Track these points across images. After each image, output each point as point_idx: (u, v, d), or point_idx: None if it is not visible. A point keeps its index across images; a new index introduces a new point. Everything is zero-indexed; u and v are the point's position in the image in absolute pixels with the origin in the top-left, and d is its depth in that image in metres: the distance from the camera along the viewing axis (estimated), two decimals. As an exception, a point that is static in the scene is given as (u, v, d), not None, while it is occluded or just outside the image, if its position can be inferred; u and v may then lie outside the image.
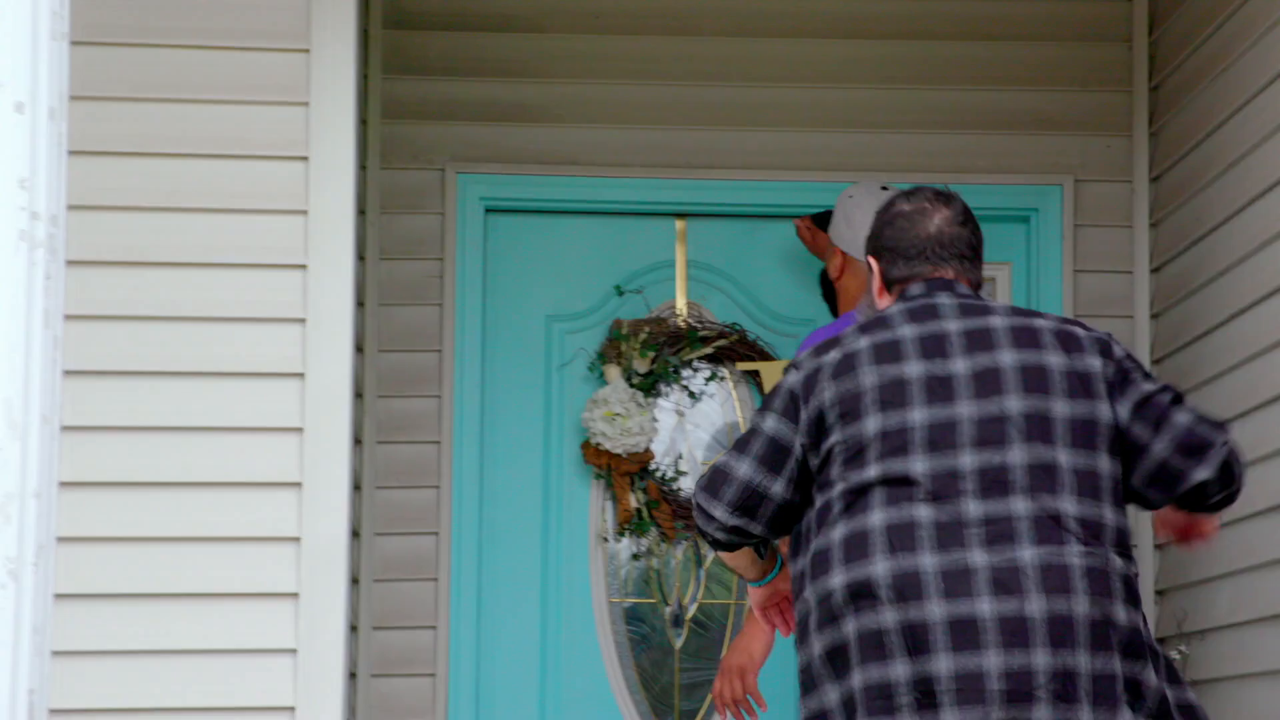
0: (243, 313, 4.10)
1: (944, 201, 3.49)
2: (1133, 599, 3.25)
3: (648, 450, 5.26)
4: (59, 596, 3.92)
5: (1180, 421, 3.28)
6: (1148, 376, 3.34)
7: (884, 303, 3.51)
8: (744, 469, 3.38)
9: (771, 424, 3.38)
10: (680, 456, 5.36)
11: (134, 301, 4.09)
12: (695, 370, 5.38)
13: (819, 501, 3.33)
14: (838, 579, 3.23)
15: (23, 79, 2.48)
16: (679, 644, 5.32)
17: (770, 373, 5.27)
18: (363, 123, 5.18)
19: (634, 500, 5.27)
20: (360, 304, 5.16)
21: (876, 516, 3.23)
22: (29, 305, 2.49)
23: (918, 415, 3.27)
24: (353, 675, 5.05)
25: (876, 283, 3.53)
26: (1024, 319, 3.36)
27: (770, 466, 3.37)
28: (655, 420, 5.29)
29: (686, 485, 5.32)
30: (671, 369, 5.31)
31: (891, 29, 5.37)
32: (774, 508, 3.38)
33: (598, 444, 5.23)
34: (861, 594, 3.20)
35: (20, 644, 2.43)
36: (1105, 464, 3.27)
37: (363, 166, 5.19)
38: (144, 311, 4.09)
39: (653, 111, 5.36)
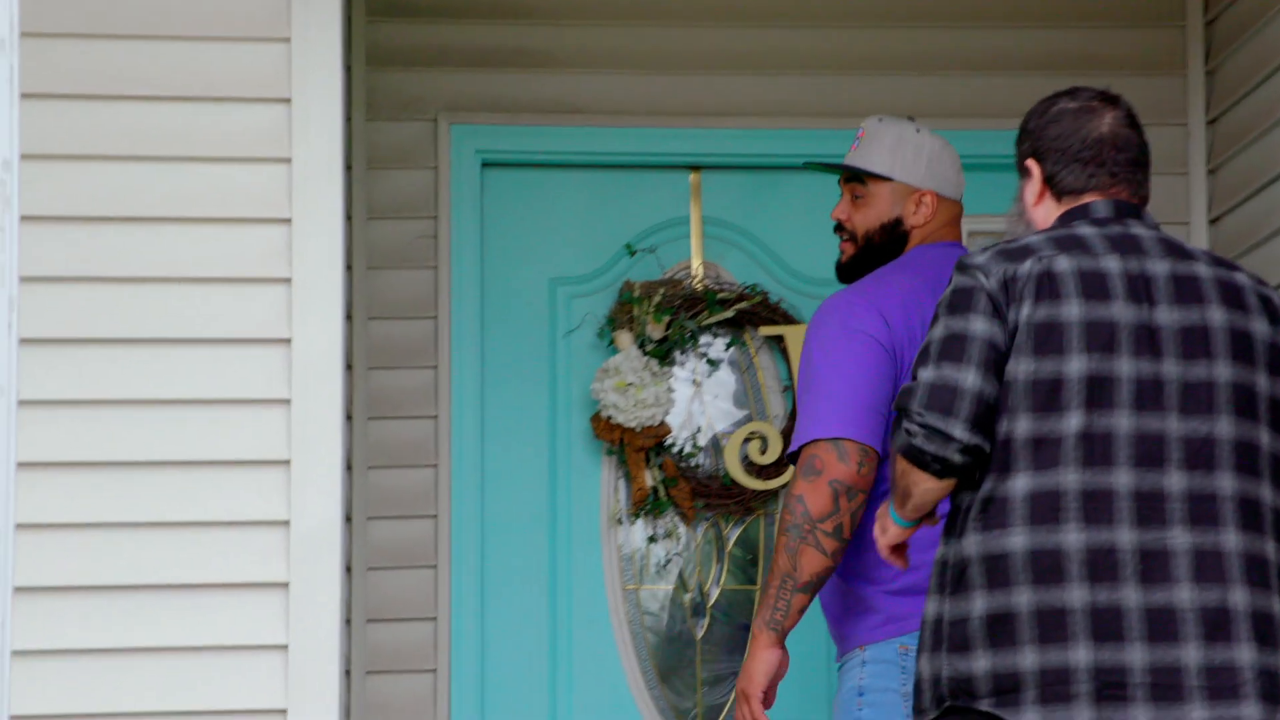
0: (220, 272, 3.89)
1: (1111, 101, 3.31)
2: None
3: (664, 423, 5.09)
4: (17, 590, 3.74)
5: None
6: None
7: (1044, 212, 3.28)
8: (971, 379, 3.09)
9: (982, 326, 3.10)
10: (699, 430, 5.19)
11: (99, 261, 3.86)
12: (714, 336, 5.21)
13: (999, 430, 3.09)
14: (1018, 539, 3.05)
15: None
16: (701, 634, 5.14)
17: (795, 337, 5.07)
18: (347, 70, 4.96)
19: (649, 478, 5.08)
20: (348, 268, 4.95)
21: (1071, 476, 3.05)
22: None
23: (1126, 367, 3.08)
24: (346, 673, 4.83)
25: (1038, 188, 3.30)
26: (1227, 271, 3.19)
27: (994, 372, 3.09)
28: (671, 390, 5.12)
29: (704, 461, 5.09)
30: (688, 335, 5.13)
31: (922, -36, 5.19)
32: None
33: (609, 417, 5.05)
34: (1046, 564, 3.02)
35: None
36: None
37: (347, 118, 4.96)
38: (110, 273, 3.87)
39: (663, 55, 5.18)
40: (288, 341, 3.87)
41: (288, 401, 3.86)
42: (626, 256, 5.18)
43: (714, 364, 5.18)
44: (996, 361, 3.09)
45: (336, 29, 3.93)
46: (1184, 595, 3.02)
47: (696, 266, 5.20)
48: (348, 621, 4.88)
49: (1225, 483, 3.08)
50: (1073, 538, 3.04)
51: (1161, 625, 3.00)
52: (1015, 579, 3.05)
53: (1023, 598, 3.05)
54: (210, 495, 3.85)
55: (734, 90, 5.17)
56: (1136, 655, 2.99)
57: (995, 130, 4.92)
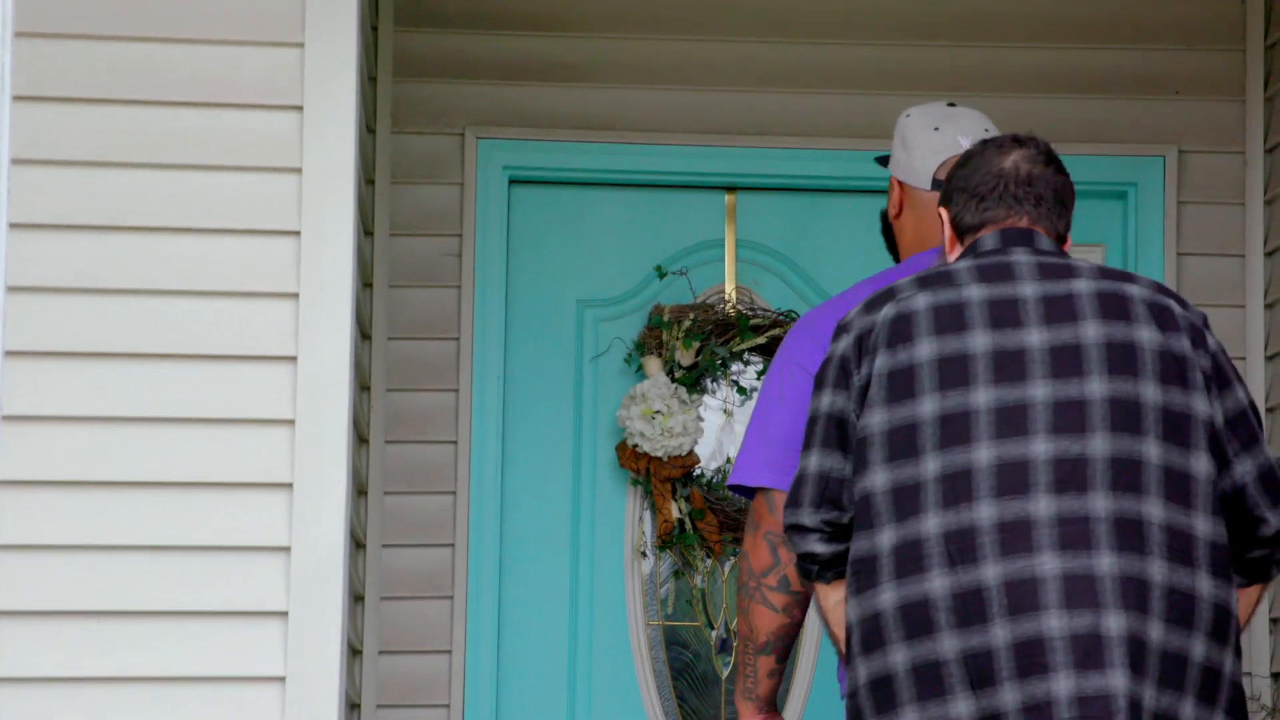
0: (225, 285, 3.79)
1: (1024, 141, 3.25)
2: (1220, 634, 2.96)
3: (691, 453, 4.97)
4: (1, 613, 3.65)
5: (1269, 453, 3.06)
6: (1241, 381, 3.08)
7: (954, 258, 3.23)
8: (812, 462, 3.13)
9: (827, 401, 3.13)
10: (728, 460, 5.06)
11: (97, 271, 3.77)
12: (746, 363, 5.09)
13: (858, 491, 3.06)
14: (887, 596, 2.97)
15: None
16: (726, 672, 5.02)
17: (831, 366, 4.93)
18: (371, 80, 4.88)
19: (676, 510, 4.97)
20: (368, 285, 4.88)
21: (932, 521, 2.96)
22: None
23: (982, 397, 3.00)
24: (355, 706, 4.74)
25: (948, 234, 3.25)
26: (1114, 283, 3.08)
27: (837, 446, 3.11)
28: (700, 419, 5.00)
29: (734, 493, 4.97)
30: (719, 361, 5.01)
31: (971, -21, 5.09)
32: (852, 488, 3.11)
33: (635, 445, 4.94)
34: (915, 617, 2.94)
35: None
36: (1201, 465, 3.00)
37: (371, 130, 4.90)
38: (108, 284, 3.78)
39: (699, 71, 5.07)
40: (294, 359, 3.77)
41: (292, 422, 3.76)
42: (657, 279, 5.07)
43: (745, 392, 5.06)
44: (841, 434, 3.10)
45: (353, 35, 3.83)
46: (1053, 624, 2.88)
47: (730, 291, 5.08)
48: (359, 652, 4.78)
49: (1099, 503, 2.95)
50: (937, 584, 2.94)
51: (1030, 659, 2.88)
52: (889, 638, 2.96)
53: (898, 656, 2.95)
54: (209, 519, 3.75)
55: (773, 108, 5.06)
56: (1008, 696, 2.87)
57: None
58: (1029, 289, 3.08)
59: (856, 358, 3.10)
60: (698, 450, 4.98)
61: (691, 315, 5.00)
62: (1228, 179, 5.03)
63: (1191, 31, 5.07)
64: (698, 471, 5.00)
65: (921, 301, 3.09)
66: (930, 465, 2.99)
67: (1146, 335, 3.02)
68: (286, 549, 3.73)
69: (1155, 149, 5.05)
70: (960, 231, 3.22)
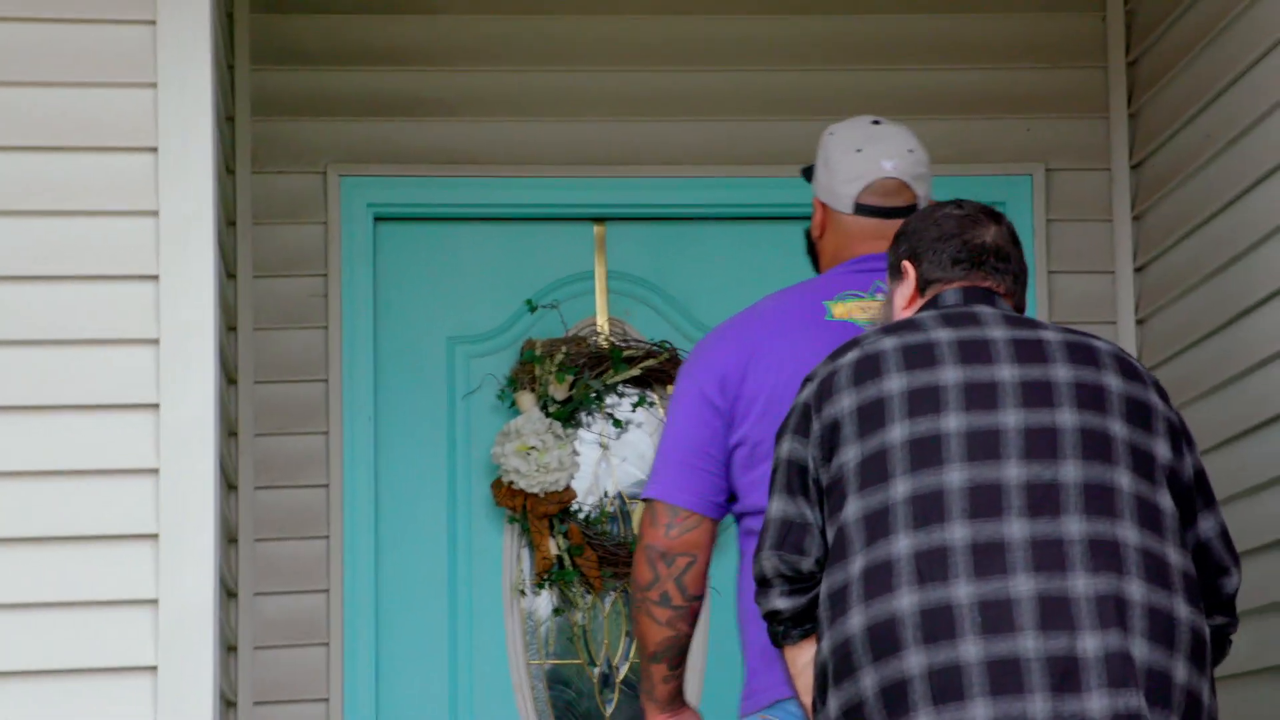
0: (82, 334, 3.72)
1: (996, 218, 3.31)
2: (1198, 659, 2.97)
3: (568, 488, 4.95)
4: None
5: (1222, 518, 3.15)
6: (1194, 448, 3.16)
7: (911, 313, 3.27)
8: (774, 508, 3.14)
9: (787, 447, 3.15)
10: (606, 494, 5.06)
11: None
12: (620, 395, 5.07)
13: (832, 529, 3.06)
14: (856, 620, 2.95)
15: None
16: (609, 710, 5.00)
17: (705, 396, 4.91)
18: (230, 120, 4.84)
19: (554, 546, 4.93)
20: (232, 328, 4.82)
21: (903, 542, 2.95)
22: None
23: (954, 422, 3.02)
24: (232, 759, 4.66)
25: (909, 291, 3.29)
26: (1080, 336, 3.15)
27: (800, 492, 3.13)
28: (576, 454, 4.98)
29: (613, 528, 4.96)
30: (593, 395, 4.99)
31: (836, 3, 5.08)
32: (817, 534, 3.11)
33: (510, 482, 4.90)
34: (883, 636, 2.91)
35: None
36: (1167, 502, 3.04)
37: (231, 170, 4.85)
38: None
39: (564, 102, 5.05)
40: (156, 406, 3.72)
41: (156, 471, 3.70)
42: (528, 313, 5.04)
43: (620, 425, 5.04)
44: (802, 480, 3.12)
45: (207, 75, 3.79)
46: (1028, 644, 2.87)
47: (602, 323, 5.06)
48: (233, 704, 4.71)
49: (1073, 527, 2.95)
50: (905, 602, 2.92)
51: (1005, 678, 2.86)
52: (858, 663, 2.94)
53: (867, 681, 2.93)
54: (73, 573, 3.68)
55: (639, 138, 5.05)
56: (979, 712, 2.85)
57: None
58: (997, 333, 3.11)
59: (817, 404, 3.11)
60: (574, 485, 4.96)
61: (564, 349, 4.97)
62: (1095, 196, 5.05)
63: (1055, 51, 5.09)
64: (575, 507, 4.97)
65: (889, 343, 3.11)
66: (900, 488, 2.98)
67: (1114, 381, 3.07)
68: (154, 601, 3.68)
69: (1022, 167, 5.06)
70: (924, 284, 3.26)
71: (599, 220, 5.09)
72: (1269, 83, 4.15)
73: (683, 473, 3.54)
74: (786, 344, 3.54)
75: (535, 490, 4.89)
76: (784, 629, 3.16)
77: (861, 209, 3.65)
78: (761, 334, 3.58)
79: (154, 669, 3.65)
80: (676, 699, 3.65)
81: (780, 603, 3.14)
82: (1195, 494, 3.13)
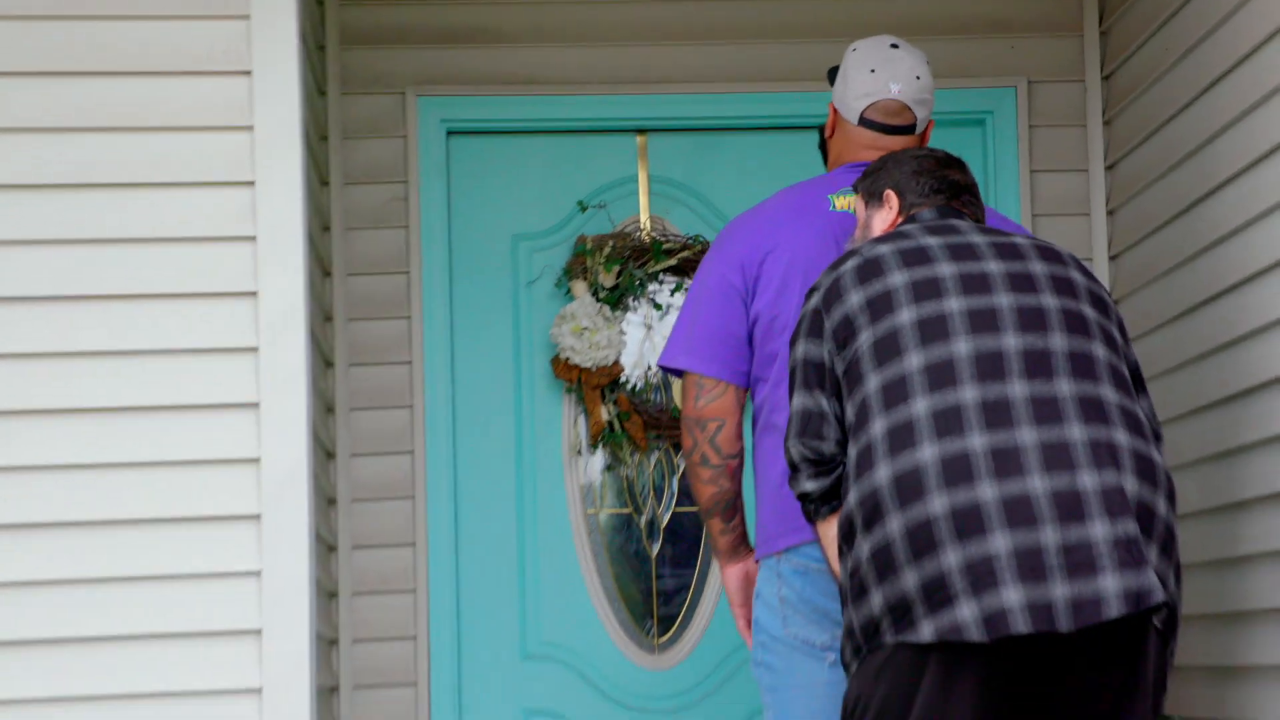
0: (190, 233, 3.70)
1: (963, 166, 3.35)
2: (1172, 499, 2.98)
3: (616, 363, 4.89)
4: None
5: (1150, 399, 3.15)
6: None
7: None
8: (796, 402, 3.13)
9: (801, 350, 3.14)
10: (649, 368, 4.99)
11: (74, 225, 3.66)
12: (660, 283, 4.99)
13: (853, 406, 3.03)
14: (883, 471, 2.92)
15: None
16: (654, 552, 4.96)
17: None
18: (321, 49, 4.79)
19: (605, 413, 4.89)
20: (326, 229, 4.79)
21: (920, 404, 2.93)
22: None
23: (955, 304, 3.01)
24: (333, 595, 4.67)
25: (892, 216, 3.28)
26: (1046, 242, 3.18)
27: (817, 385, 3.10)
28: (623, 333, 4.92)
29: (656, 396, 4.92)
30: (637, 282, 4.93)
31: (842, -60, 4.98)
32: (834, 422, 3.09)
33: (567, 359, 4.86)
34: (909, 483, 2.89)
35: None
36: (1127, 371, 3.06)
37: (323, 93, 4.81)
38: (82, 235, 3.67)
39: (609, 29, 4.96)
40: (255, 294, 3.70)
41: (256, 349, 3.68)
42: (580, 213, 4.97)
43: (661, 308, 4.98)
44: (818, 376, 3.10)
45: (292, 6, 3.73)
46: (1036, 483, 2.86)
47: (644, 220, 4.99)
48: (334, 548, 4.72)
49: (1064, 386, 2.95)
50: (927, 454, 2.90)
51: (1019, 513, 2.85)
52: (886, 509, 2.91)
53: (894, 524, 2.89)
54: (189, 438, 3.66)
55: (676, 59, 4.96)
56: (999, 543, 2.83)
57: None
58: (977, 238, 3.11)
59: (826, 307, 3.10)
60: (622, 360, 4.90)
61: (611, 243, 4.92)
62: (1071, 105, 4.95)
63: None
64: (623, 379, 4.92)
65: (885, 249, 3.11)
66: (914, 360, 2.97)
67: (1078, 276, 3.10)
68: (256, 460, 3.66)
69: (1007, 81, 4.96)
70: (905, 209, 3.26)
71: (641, 131, 5.01)
72: (1217, 3, 4.06)
73: (710, 346, 3.50)
74: (795, 231, 3.51)
75: (588, 365, 4.85)
76: (814, 507, 3.13)
77: (865, 122, 3.60)
78: (774, 223, 3.54)
79: (258, 517, 3.65)
80: (739, 548, 3.60)
81: (809, 485, 3.10)
82: (1136, 377, 3.13)
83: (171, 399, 3.65)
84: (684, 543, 4.96)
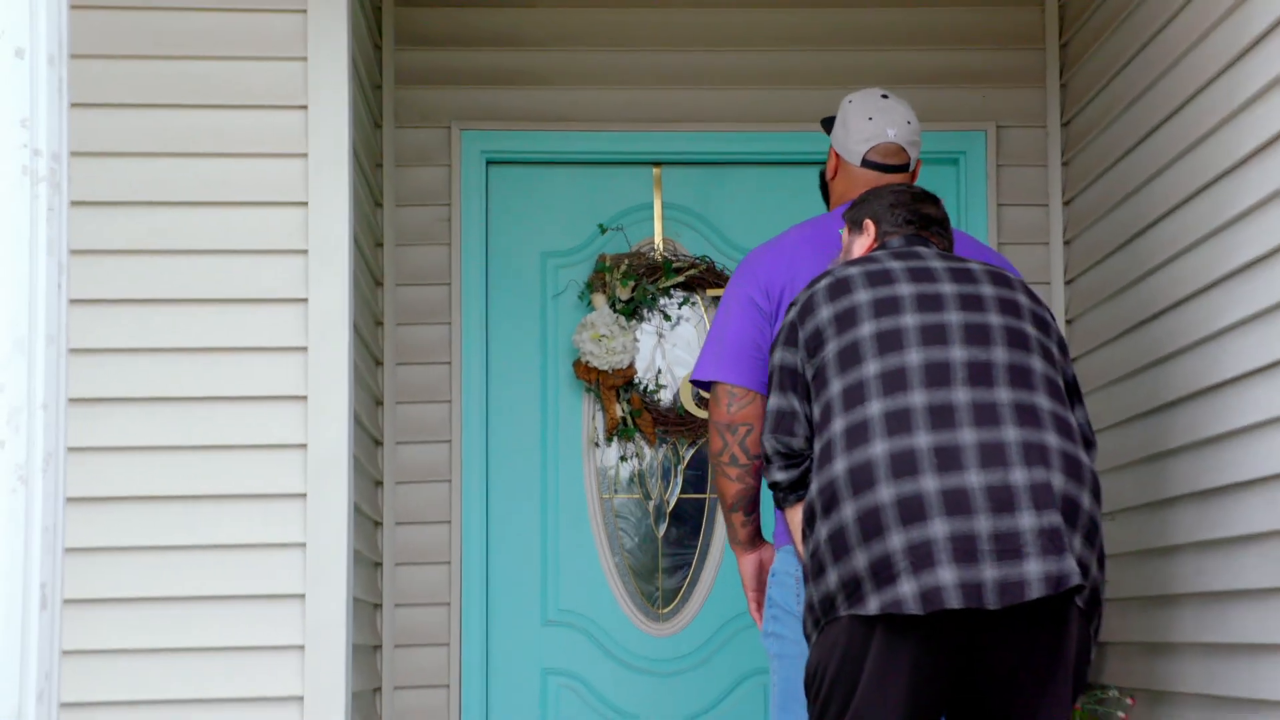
0: (249, 246, 3.72)
1: (936, 200, 3.34)
2: (1097, 495, 2.97)
3: (630, 366, 4.90)
4: (75, 500, 3.60)
5: (1086, 411, 3.16)
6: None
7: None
8: (771, 402, 3.14)
9: (778, 357, 3.15)
10: (660, 371, 4.99)
11: (148, 238, 3.70)
12: (671, 297, 4.99)
13: (819, 406, 3.04)
14: (840, 464, 2.92)
15: (21, 27, 2.20)
16: (661, 533, 4.96)
17: (735, 298, 4.86)
18: (378, 88, 4.82)
19: (619, 410, 4.90)
20: (379, 245, 4.82)
21: (875, 406, 2.94)
22: (32, 234, 2.21)
23: (910, 320, 3.02)
24: (378, 565, 4.69)
25: (869, 241, 3.29)
26: (999, 269, 3.17)
27: (790, 389, 3.11)
28: (636, 340, 4.93)
29: (665, 396, 4.93)
30: (650, 296, 4.93)
31: (834, 0, 4.98)
32: (803, 421, 3.09)
33: (587, 362, 4.87)
34: (861, 474, 2.88)
35: (31, 542, 2.15)
36: (1062, 385, 3.05)
37: (379, 126, 4.84)
38: (158, 246, 3.70)
39: (631, 73, 4.98)
40: (305, 300, 3.72)
41: (305, 349, 3.71)
42: (600, 234, 4.98)
43: (670, 319, 4.98)
44: (792, 380, 3.11)
45: (343, 50, 3.77)
46: (973, 479, 2.85)
47: (658, 242, 5.00)
48: (380, 525, 4.74)
49: (1003, 394, 2.94)
50: (879, 449, 2.90)
51: (957, 504, 2.84)
52: (842, 496, 2.91)
53: (848, 510, 2.89)
54: (240, 422, 3.70)
55: (689, 100, 4.97)
56: (938, 529, 2.83)
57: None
58: (936, 263, 3.12)
59: (801, 320, 3.12)
60: (636, 364, 4.91)
61: (628, 261, 4.93)
62: (1034, 147, 4.93)
63: (1004, 36, 4.97)
64: (636, 380, 4.93)
65: (854, 270, 3.12)
66: (872, 368, 2.97)
67: (1024, 300, 3.10)
68: (304, 445, 3.69)
69: (979, 125, 4.95)
70: (880, 238, 3.27)
71: (657, 164, 5.02)
72: (1161, 56, 4.04)
73: (738, 360, 3.49)
74: (811, 261, 3.52)
75: (605, 368, 4.87)
76: (784, 495, 3.14)
77: (867, 163, 3.62)
78: (794, 254, 3.55)
79: (304, 495, 3.68)
80: (756, 539, 3.59)
81: (779, 475, 3.11)
82: (1072, 390, 3.12)
83: (231, 391, 3.68)
84: (687, 525, 4.97)
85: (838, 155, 3.66)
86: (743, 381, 3.47)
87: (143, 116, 3.71)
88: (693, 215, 5.03)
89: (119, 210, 3.68)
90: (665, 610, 4.92)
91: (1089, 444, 3.10)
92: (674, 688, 4.88)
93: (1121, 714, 4.09)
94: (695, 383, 3.57)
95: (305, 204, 3.72)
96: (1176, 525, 3.84)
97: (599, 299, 4.91)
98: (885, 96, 3.67)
